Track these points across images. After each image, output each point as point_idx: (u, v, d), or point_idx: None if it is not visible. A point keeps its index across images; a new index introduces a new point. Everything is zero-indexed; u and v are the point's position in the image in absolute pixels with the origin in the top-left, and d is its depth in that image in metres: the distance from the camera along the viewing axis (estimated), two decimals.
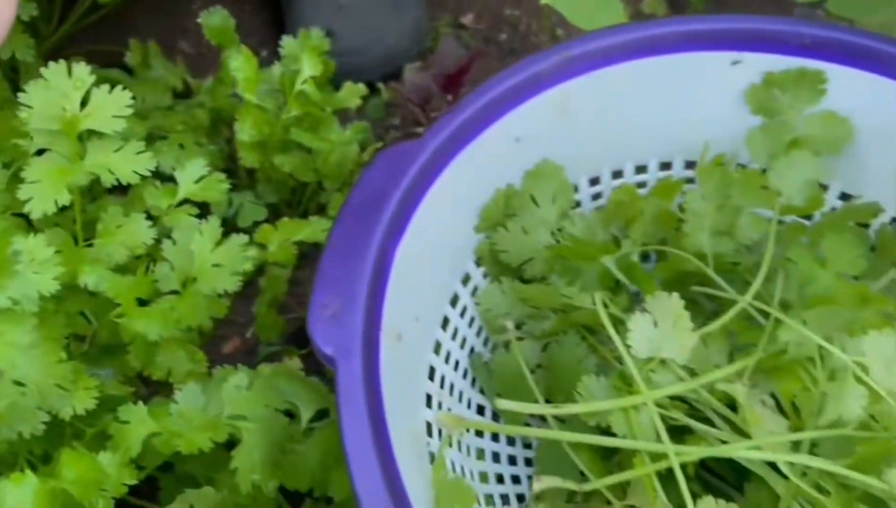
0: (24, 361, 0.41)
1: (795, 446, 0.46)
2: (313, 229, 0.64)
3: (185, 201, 0.58)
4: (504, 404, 0.47)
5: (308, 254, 0.82)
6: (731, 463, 0.49)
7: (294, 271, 0.79)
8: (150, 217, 0.55)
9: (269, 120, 0.68)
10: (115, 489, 0.44)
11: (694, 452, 0.45)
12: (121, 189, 0.66)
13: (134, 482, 0.45)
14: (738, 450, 0.45)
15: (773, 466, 0.47)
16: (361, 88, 0.77)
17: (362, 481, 0.36)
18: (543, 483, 0.44)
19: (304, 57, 0.67)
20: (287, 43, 0.69)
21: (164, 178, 0.62)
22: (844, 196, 0.57)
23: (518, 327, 0.55)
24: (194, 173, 0.58)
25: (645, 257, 0.61)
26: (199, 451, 0.49)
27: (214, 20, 0.70)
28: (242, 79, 0.66)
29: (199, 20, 0.71)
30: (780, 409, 0.49)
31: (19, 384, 0.44)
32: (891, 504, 0.45)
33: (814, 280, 0.48)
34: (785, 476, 0.46)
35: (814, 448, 0.47)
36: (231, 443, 0.50)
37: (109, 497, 0.44)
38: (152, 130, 0.74)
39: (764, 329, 0.48)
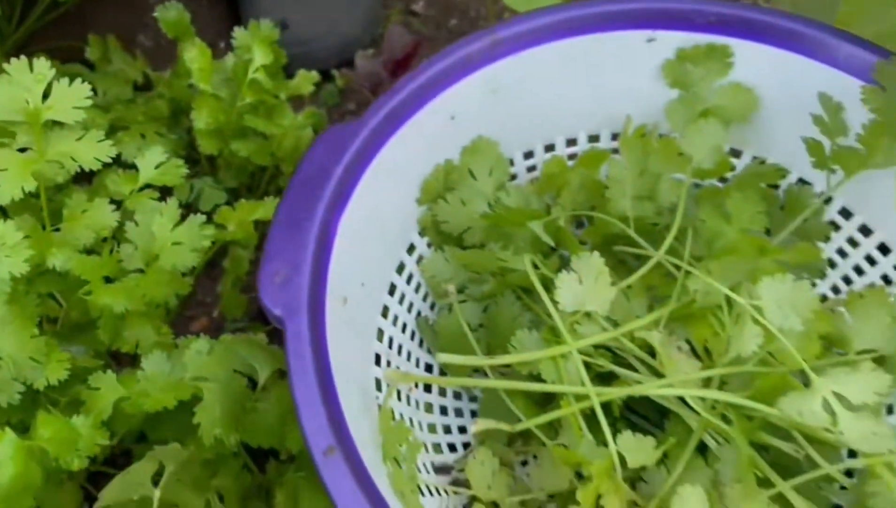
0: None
1: (707, 384, 0.51)
2: (268, 208, 0.68)
3: (147, 186, 0.62)
4: (445, 357, 0.52)
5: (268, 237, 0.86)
6: (652, 404, 0.54)
7: (255, 252, 0.83)
8: (114, 202, 0.59)
9: (224, 108, 0.72)
10: (88, 448, 0.48)
11: (614, 392, 0.50)
12: (86, 179, 0.70)
13: (106, 442, 0.49)
14: (652, 389, 0.50)
15: (688, 404, 0.52)
16: (314, 75, 0.81)
17: (309, 422, 0.41)
18: (481, 424, 0.48)
19: (256, 47, 0.70)
20: (239, 34, 0.72)
21: (126, 166, 0.66)
22: (757, 160, 0.62)
23: (460, 291, 0.60)
24: (154, 160, 0.62)
25: (580, 223, 0.66)
26: (167, 413, 0.54)
27: (170, 14, 0.74)
28: (197, 70, 0.69)
29: (155, 14, 0.74)
30: (695, 353, 0.54)
31: None
32: (791, 432, 0.50)
33: (720, 236, 0.53)
34: (697, 412, 0.51)
35: (724, 385, 0.52)
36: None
37: (84, 455, 0.48)
38: (114, 121, 0.77)
39: (678, 282, 0.53)
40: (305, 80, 0.80)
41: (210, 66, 0.70)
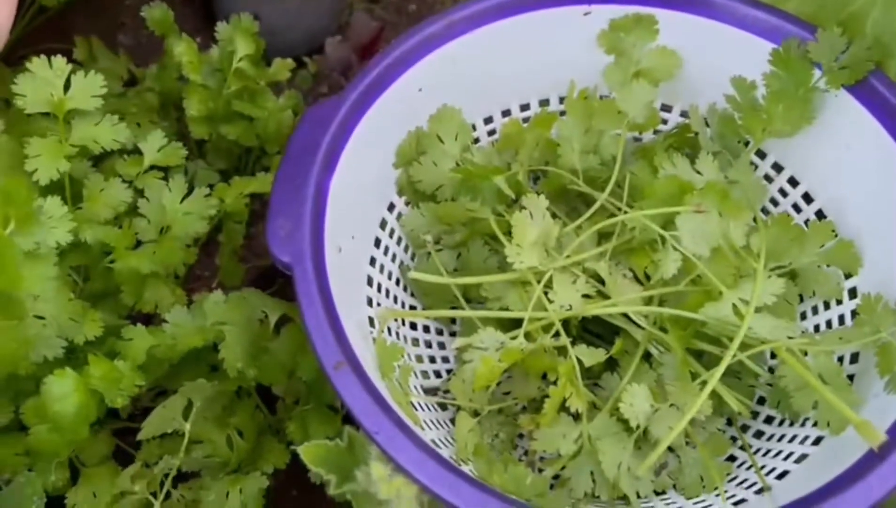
0: (46, 294, 0.53)
1: (647, 303, 0.61)
2: (261, 182, 0.76)
3: (152, 168, 0.70)
4: (414, 274, 0.61)
5: (258, 212, 0.95)
6: (603, 324, 0.64)
7: (247, 227, 0.92)
8: (124, 183, 0.67)
9: (212, 96, 0.80)
10: (129, 388, 0.56)
11: (570, 313, 0.59)
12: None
13: (142, 383, 0.57)
14: (603, 308, 0.59)
15: (633, 321, 0.62)
16: (289, 62, 0.89)
17: (320, 343, 0.49)
18: (459, 342, 0.58)
19: (238, 38, 0.78)
20: (222, 28, 0.80)
21: (127, 152, 0.74)
22: (685, 114, 0.72)
23: (436, 241, 0.69)
24: (156, 144, 0.70)
25: (536, 178, 0.75)
26: (185, 366, 0.62)
27: (156, 13, 0.81)
28: (187, 62, 0.77)
29: (141, 13, 0.82)
30: (637, 279, 0.63)
31: (40, 317, 0.56)
32: (722, 339, 0.60)
33: (648, 183, 0.62)
34: (641, 327, 0.61)
35: (662, 303, 0.62)
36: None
37: (125, 394, 0.56)
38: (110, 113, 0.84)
39: (619, 218, 0.62)
40: (282, 67, 0.88)
41: (197, 58, 0.78)
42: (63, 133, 0.61)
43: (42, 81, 0.60)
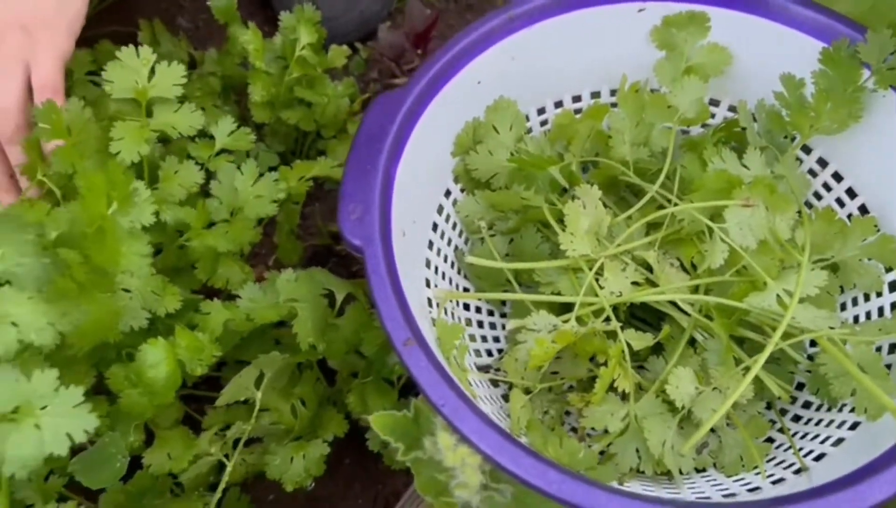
0: (141, 271, 0.57)
1: (694, 291, 0.64)
2: (322, 166, 0.80)
3: (222, 151, 0.74)
4: (470, 258, 0.64)
5: (312, 194, 0.98)
6: (651, 311, 0.67)
7: (302, 207, 0.96)
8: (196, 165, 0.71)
9: (275, 82, 0.84)
10: (207, 358, 0.60)
11: (621, 299, 0.62)
12: None
13: (219, 353, 0.62)
14: (651, 295, 0.62)
15: (680, 308, 0.65)
16: (346, 49, 0.92)
17: (390, 322, 0.53)
18: (512, 324, 0.61)
19: (301, 28, 0.82)
20: (285, 17, 0.83)
21: (196, 135, 0.78)
22: (733, 109, 0.74)
23: (490, 227, 0.72)
24: (226, 128, 0.74)
25: (585, 168, 0.78)
26: (250, 341, 0.66)
27: (221, 2, 0.85)
28: (253, 50, 0.80)
29: (206, 1, 0.85)
30: (684, 269, 0.66)
31: (126, 290, 0.61)
32: (765, 328, 0.63)
33: (698, 176, 0.65)
34: (687, 313, 0.64)
35: (707, 292, 0.65)
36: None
37: (204, 363, 0.60)
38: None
39: (668, 210, 0.65)
40: (338, 53, 0.91)
41: (262, 46, 0.82)
42: (145, 118, 0.65)
43: (129, 70, 0.64)
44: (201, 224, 0.67)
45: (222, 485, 0.63)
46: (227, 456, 0.66)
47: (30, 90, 0.66)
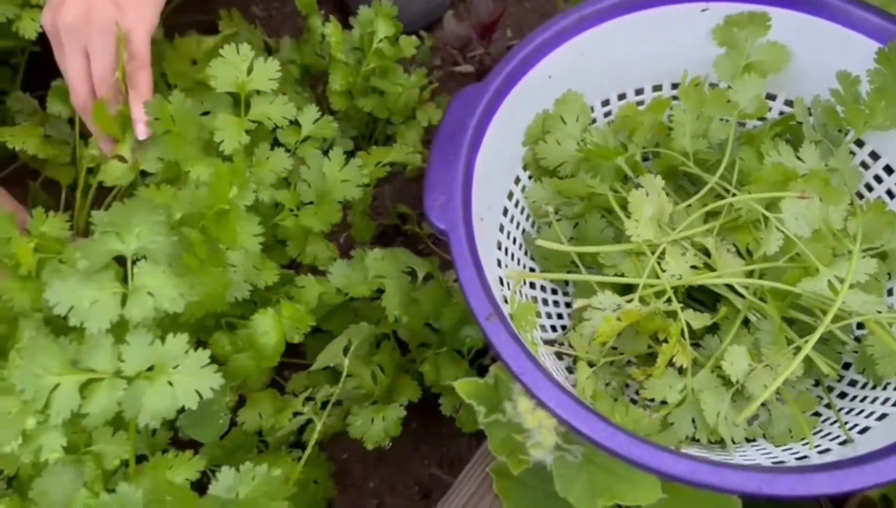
0: (254, 248, 0.64)
1: (749, 275, 0.69)
2: (397, 152, 0.86)
3: (307, 138, 0.80)
4: (540, 242, 0.70)
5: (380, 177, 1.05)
6: (708, 293, 0.72)
7: (372, 189, 1.02)
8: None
9: (352, 72, 0.90)
10: (304, 327, 0.67)
11: (681, 281, 0.67)
12: None
13: (313, 323, 0.68)
14: (709, 279, 0.68)
15: (735, 291, 0.70)
16: (415, 40, 0.97)
17: (474, 299, 0.59)
18: (580, 303, 0.67)
19: (379, 21, 0.87)
20: (363, 11, 0.89)
21: None
22: (789, 102, 0.78)
23: (556, 211, 0.77)
24: (311, 117, 0.80)
25: (645, 157, 0.82)
26: (334, 313, 0.73)
27: None
28: (334, 42, 0.86)
29: None
30: (740, 254, 0.71)
31: (232, 265, 0.68)
32: (816, 311, 0.68)
33: (755, 169, 0.69)
34: (742, 296, 0.69)
35: (762, 276, 0.69)
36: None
37: (301, 332, 0.67)
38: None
39: (727, 200, 0.70)
40: (408, 44, 0.97)
41: (342, 38, 0.87)
42: (243, 110, 0.71)
43: (230, 65, 0.70)
44: (293, 205, 0.73)
45: (312, 441, 0.70)
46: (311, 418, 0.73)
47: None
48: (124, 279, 0.57)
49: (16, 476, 0.67)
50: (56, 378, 0.56)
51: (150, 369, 0.56)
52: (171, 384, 0.55)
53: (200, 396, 0.55)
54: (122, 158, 0.76)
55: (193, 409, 0.55)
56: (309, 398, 0.74)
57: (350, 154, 0.82)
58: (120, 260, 0.59)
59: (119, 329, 0.56)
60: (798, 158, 0.71)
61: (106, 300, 0.55)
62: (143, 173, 0.77)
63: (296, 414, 0.72)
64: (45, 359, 0.56)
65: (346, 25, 0.93)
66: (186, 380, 0.55)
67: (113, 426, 0.62)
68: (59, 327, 0.68)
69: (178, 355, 0.56)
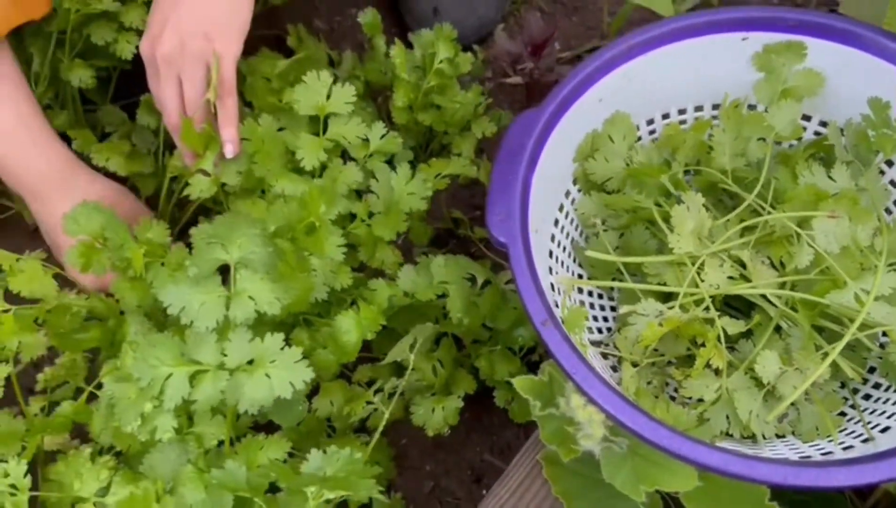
0: (338, 257, 0.72)
1: (781, 286, 0.75)
2: (455, 165, 0.93)
3: (375, 153, 0.88)
4: (589, 252, 0.77)
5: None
6: (742, 301, 0.79)
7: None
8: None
9: (414, 89, 0.97)
10: (376, 326, 0.75)
11: (718, 291, 0.74)
12: None
13: (384, 322, 0.76)
14: (744, 289, 0.74)
15: (769, 300, 0.76)
16: (470, 57, 1.04)
17: (531, 305, 0.66)
18: (624, 308, 0.74)
19: (440, 43, 0.95)
20: (424, 34, 0.96)
21: None
22: (823, 123, 0.84)
23: (603, 222, 0.84)
24: (378, 133, 0.88)
25: (686, 173, 0.89)
26: (400, 313, 0.81)
27: (368, 17, 0.99)
28: (398, 63, 0.94)
29: (358, 19, 0.99)
30: (774, 267, 0.77)
31: (313, 270, 0.76)
32: (843, 320, 0.74)
33: (789, 188, 0.75)
34: (775, 305, 0.76)
35: (793, 288, 0.76)
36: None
37: (373, 331, 0.75)
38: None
39: (763, 218, 0.76)
40: (465, 60, 1.04)
41: (405, 58, 0.95)
42: (321, 130, 0.79)
43: (312, 91, 0.78)
44: (364, 215, 0.81)
45: (381, 427, 0.78)
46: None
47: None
48: (222, 284, 0.65)
49: (120, 453, 0.76)
50: (169, 369, 0.65)
51: (250, 362, 0.64)
52: (268, 376, 0.64)
53: (294, 387, 0.64)
54: (204, 172, 0.84)
55: (288, 398, 0.63)
56: (378, 390, 0.82)
57: (412, 164, 0.90)
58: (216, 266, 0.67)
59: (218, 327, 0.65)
60: (830, 177, 0.76)
61: (213, 302, 0.64)
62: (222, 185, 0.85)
63: (367, 403, 0.80)
64: (159, 352, 0.65)
65: (404, 38, 1.01)
66: (282, 373, 0.64)
67: (212, 411, 0.70)
68: (159, 322, 0.77)
69: (274, 351, 0.64)
